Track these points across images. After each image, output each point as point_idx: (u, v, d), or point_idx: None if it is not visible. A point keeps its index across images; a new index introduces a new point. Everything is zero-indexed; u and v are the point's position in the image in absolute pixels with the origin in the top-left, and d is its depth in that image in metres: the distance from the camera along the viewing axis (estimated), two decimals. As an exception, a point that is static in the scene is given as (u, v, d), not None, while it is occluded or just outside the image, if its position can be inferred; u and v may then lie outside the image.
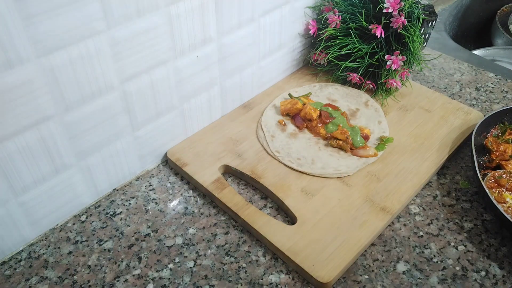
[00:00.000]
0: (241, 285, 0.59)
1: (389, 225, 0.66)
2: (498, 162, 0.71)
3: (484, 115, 0.78)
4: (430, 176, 0.71)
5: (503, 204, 0.65)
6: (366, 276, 0.60)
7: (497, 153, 0.73)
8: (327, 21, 0.84)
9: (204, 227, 0.66)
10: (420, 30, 0.85)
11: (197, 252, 0.62)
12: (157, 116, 0.70)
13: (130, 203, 0.69)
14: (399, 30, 0.81)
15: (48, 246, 0.63)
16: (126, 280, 0.59)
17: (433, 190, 0.71)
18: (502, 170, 0.69)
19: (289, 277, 0.60)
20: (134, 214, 0.68)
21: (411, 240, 0.64)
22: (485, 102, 0.90)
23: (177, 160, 0.74)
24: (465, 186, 0.72)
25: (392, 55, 0.82)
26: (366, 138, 0.76)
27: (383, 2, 0.79)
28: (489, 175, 0.69)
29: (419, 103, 0.86)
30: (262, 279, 0.59)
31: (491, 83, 0.95)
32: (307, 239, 0.62)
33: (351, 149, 0.74)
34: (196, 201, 0.70)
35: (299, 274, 0.60)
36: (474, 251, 0.63)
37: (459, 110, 0.84)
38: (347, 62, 0.85)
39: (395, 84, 0.84)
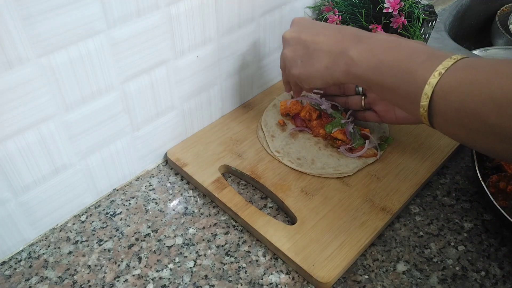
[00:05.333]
0: (241, 285, 0.59)
1: (389, 225, 0.66)
2: (498, 162, 0.71)
3: (484, 115, 0.77)
4: (430, 176, 0.71)
5: (503, 204, 0.65)
6: (366, 276, 0.60)
7: (497, 153, 0.73)
8: (327, 21, 0.84)
9: (204, 227, 0.66)
10: (420, 30, 0.85)
11: (197, 252, 0.62)
12: (157, 116, 0.70)
13: (130, 203, 0.69)
14: (399, 30, 0.81)
15: (48, 246, 0.63)
16: (126, 280, 0.59)
17: (433, 190, 0.71)
18: (502, 173, 0.69)
19: (289, 277, 0.60)
20: (134, 214, 0.68)
21: (411, 240, 0.64)
22: (485, 102, 0.89)
23: (177, 160, 0.74)
24: (465, 186, 0.72)
25: (392, 55, 0.82)
26: (366, 138, 0.76)
27: (383, 2, 0.79)
28: (489, 180, 0.69)
29: (419, 103, 0.86)
30: (262, 279, 0.59)
31: (491, 83, 0.94)
32: (307, 239, 0.62)
33: (351, 149, 0.74)
34: (196, 201, 0.70)
35: (299, 274, 0.60)
36: (474, 251, 0.63)
37: (459, 110, 0.84)
38: (347, 62, 0.85)
39: (395, 84, 0.84)
